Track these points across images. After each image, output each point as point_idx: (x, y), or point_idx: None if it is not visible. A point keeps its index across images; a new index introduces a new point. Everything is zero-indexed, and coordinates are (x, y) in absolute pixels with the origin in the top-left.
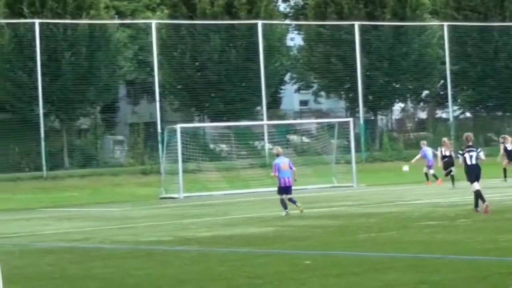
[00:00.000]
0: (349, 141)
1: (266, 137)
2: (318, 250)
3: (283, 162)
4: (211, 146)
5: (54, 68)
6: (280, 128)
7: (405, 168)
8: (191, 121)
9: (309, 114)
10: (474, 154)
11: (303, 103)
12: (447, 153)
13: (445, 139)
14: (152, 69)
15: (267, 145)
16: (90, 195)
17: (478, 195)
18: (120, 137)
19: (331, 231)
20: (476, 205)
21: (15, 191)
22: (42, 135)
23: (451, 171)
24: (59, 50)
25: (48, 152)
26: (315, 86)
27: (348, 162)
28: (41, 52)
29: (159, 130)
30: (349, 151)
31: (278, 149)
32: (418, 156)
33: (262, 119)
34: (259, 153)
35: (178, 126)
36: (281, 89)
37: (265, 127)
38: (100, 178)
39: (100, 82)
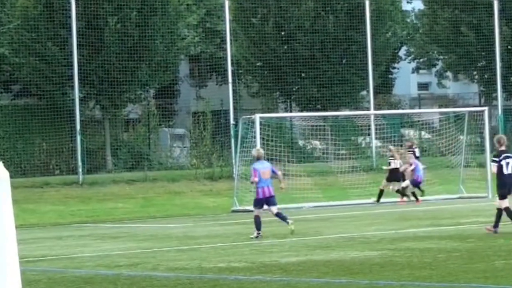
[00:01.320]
0: (483, 138)
1: (373, 131)
2: (440, 281)
3: (265, 168)
4: (300, 143)
5: (94, 39)
6: (392, 120)
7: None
8: (274, 109)
9: (431, 101)
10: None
11: (423, 86)
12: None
13: None
14: (224, 41)
15: (375, 142)
16: (140, 207)
17: (508, 212)
18: (180, 131)
19: (457, 256)
20: (496, 225)
21: (42, 201)
22: (78, 127)
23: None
24: (101, 14)
25: (86, 149)
26: (439, 64)
27: (482, 165)
28: (77, 18)
29: (232, 121)
30: (483, 151)
31: (260, 150)
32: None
33: (368, 108)
34: (363, 153)
35: (257, 116)
36: (394, 68)
37: (372, 118)
38: (154, 184)
39: (155, 57)
